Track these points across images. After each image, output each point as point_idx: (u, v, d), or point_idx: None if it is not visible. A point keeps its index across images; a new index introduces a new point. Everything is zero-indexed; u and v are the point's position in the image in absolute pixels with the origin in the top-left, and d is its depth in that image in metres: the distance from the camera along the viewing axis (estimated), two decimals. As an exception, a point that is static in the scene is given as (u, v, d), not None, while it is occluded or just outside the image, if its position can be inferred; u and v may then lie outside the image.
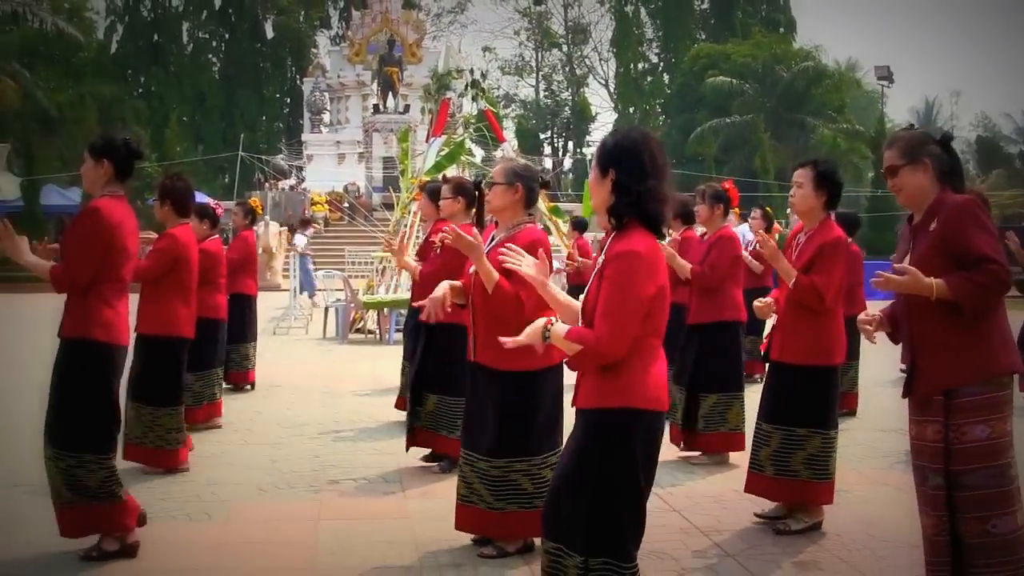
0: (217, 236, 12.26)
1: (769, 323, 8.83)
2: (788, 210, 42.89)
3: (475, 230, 8.32)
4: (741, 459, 8.56)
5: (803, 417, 8.01)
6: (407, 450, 9.94)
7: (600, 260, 5.11)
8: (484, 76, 44.85)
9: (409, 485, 9.41)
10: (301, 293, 26.07)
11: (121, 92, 69.22)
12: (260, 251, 37.17)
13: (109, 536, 7.20)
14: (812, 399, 8.03)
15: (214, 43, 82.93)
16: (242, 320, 14.10)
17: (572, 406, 5.23)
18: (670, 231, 12.21)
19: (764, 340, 8.73)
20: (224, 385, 13.50)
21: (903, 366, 6.01)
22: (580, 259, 15.44)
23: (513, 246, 5.55)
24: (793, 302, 7.98)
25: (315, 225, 37.93)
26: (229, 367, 14.14)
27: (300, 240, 31.04)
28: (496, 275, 6.91)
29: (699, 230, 11.27)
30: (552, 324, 5.05)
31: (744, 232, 25.15)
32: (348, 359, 18.88)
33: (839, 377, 8.32)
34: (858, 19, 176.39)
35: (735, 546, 7.64)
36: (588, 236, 18.94)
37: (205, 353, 11.70)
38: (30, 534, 7.63)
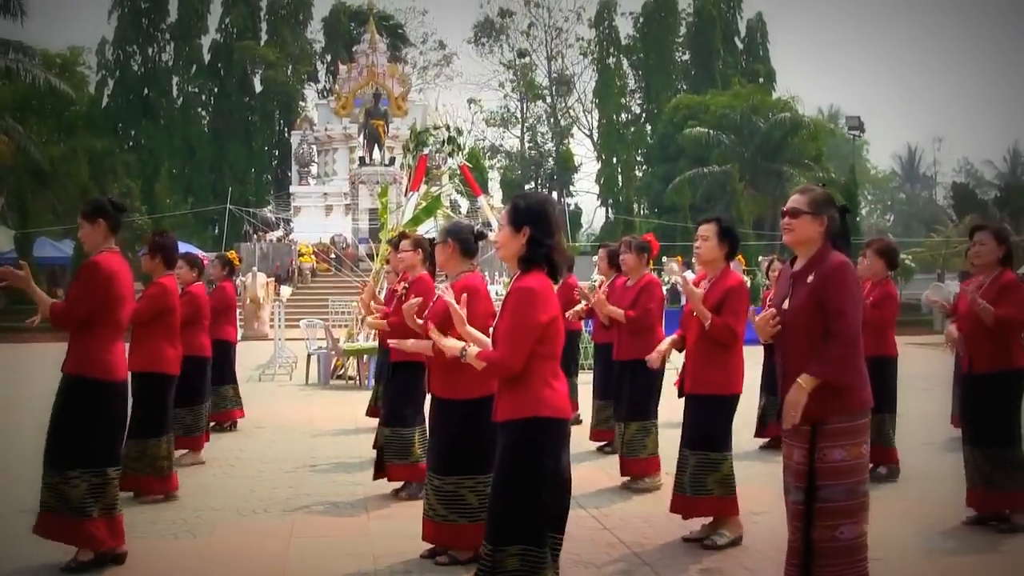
0: (201, 283, 13.38)
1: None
2: (760, 257, 44.02)
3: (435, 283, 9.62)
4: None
5: (715, 442, 9.10)
6: (374, 479, 11.08)
7: (504, 297, 6.29)
8: (460, 132, 45.84)
9: (373, 508, 10.51)
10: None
11: (112, 145, 70.23)
12: (248, 301, 38.26)
13: (84, 549, 8.26)
14: (721, 425, 9.15)
15: (203, 97, 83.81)
16: (223, 364, 15.25)
17: (492, 421, 6.31)
18: (600, 277, 13.32)
19: (677, 378, 9.71)
20: (210, 424, 14.81)
21: None
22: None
23: (450, 291, 6.76)
24: (707, 341, 9.09)
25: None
26: (214, 407, 15.32)
27: (285, 291, 31.93)
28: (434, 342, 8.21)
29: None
30: (467, 348, 6.25)
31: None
32: (328, 402, 19.88)
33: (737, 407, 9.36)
34: (840, 66, 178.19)
35: (653, 557, 8.68)
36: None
37: (195, 389, 12.90)
38: (32, 552, 8.59)
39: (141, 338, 10.73)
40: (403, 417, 10.61)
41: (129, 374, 8.83)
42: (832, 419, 6.43)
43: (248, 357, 26.47)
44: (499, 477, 6.17)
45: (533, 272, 6.22)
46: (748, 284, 23.65)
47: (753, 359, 9.89)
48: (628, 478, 11.55)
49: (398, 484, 11.04)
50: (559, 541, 6.25)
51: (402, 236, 11.04)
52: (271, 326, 33.54)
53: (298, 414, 18.03)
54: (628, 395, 11.46)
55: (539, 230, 6.21)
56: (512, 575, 6.03)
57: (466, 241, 8.55)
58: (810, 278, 6.54)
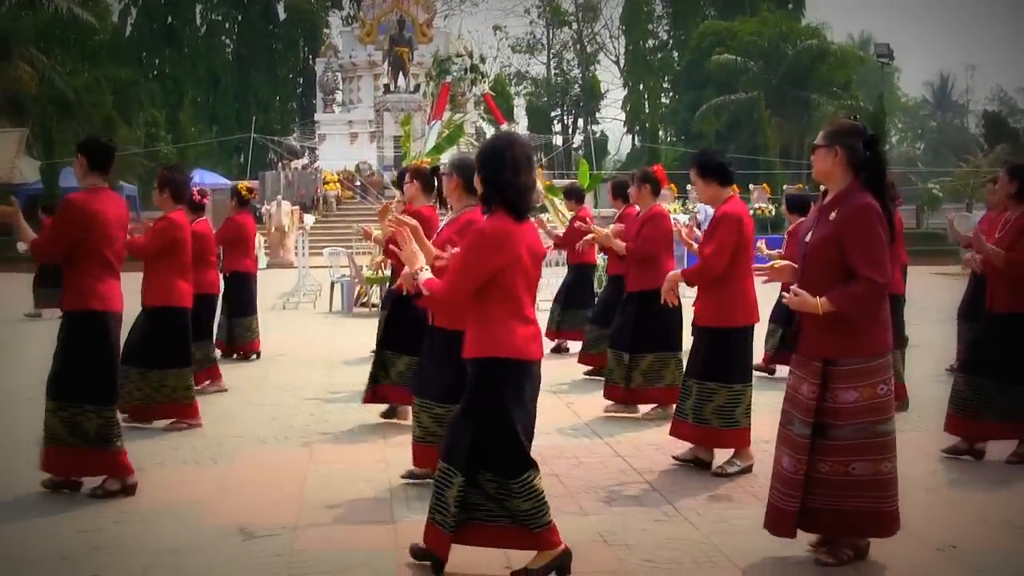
0: (206, 219, 13.49)
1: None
2: (784, 186, 43.96)
3: (439, 210, 9.69)
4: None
5: (711, 373, 9.22)
6: (363, 403, 11.29)
7: None
8: (483, 60, 45.83)
9: (391, 435, 10.67)
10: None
11: (136, 75, 70.31)
12: (272, 229, 38.41)
13: (112, 478, 8.47)
14: (718, 357, 9.21)
15: (227, 25, 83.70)
16: (243, 296, 15.51)
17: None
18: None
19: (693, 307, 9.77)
20: (233, 356, 15.58)
21: None
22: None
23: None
24: None
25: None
26: (235, 339, 15.54)
27: (309, 219, 32.04)
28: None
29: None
30: (423, 269, 6.50)
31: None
32: (351, 331, 20.00)
33: (745, 339, 9.34)
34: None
35: (663, 483, 8.84)
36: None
37: (204, 324, 12.95)
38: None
39: (151, 273, 10.82)
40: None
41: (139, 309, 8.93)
42: (844, 360, 6.57)
43: (274, 285, 26.64)
44: (464, 410, 6.44)
45: (496, 213, 6.37)
46: (772, 212, 23.56)
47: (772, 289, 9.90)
48: (651, 407, 11.67)
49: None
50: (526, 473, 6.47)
51: (406, 170, 11.16)
52: (296, 254, 33.68)
53: (320, 342, 18.20)
54: (638, 326, 11.46)
55: (490, 171, 6.41)
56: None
57: (470, 179, 8.56)
58: (833, 215, 6.60)
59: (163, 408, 10.93)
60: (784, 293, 6.83)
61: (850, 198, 6.55)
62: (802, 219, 13.63)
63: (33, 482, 8.64)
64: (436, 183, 9.88)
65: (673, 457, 9.46)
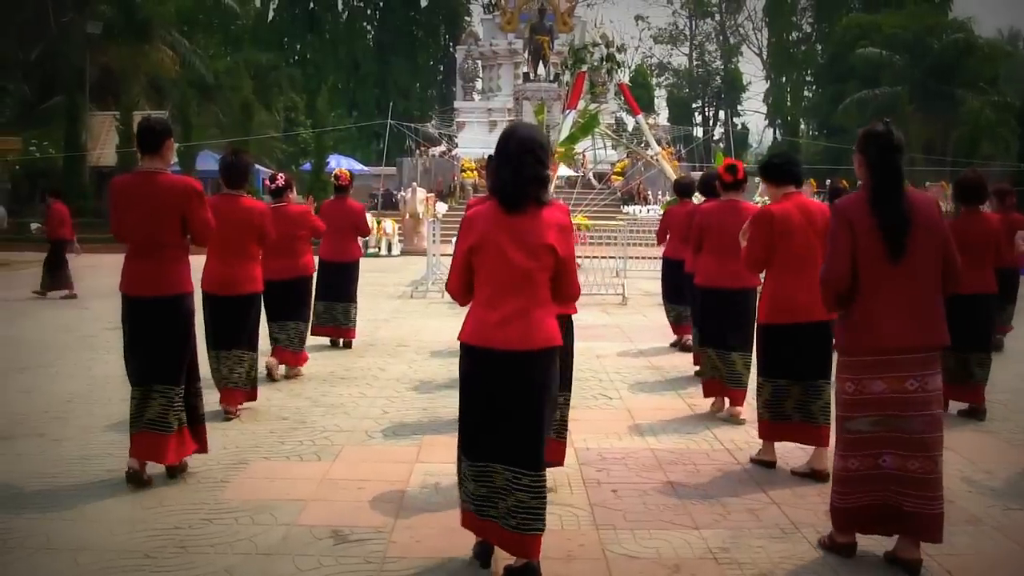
0: (281, 203, 13.33)
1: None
2: (927, 183, 42.96)
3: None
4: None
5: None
6: None
7: None
8: (621, 49, 45.20)
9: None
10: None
11: (277, 60, 71.12)
12: (407, 216, 38.40)
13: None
14: (759, 353, 9.32)
15: (369, 11, 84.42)
16: (321, 281, 15.46)
17: None
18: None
19: None
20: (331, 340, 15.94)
21: None
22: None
23: None
24: None
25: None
26: (332, 323, 15.71)
27: (441, 207, 31.95)
28: None
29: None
30: None
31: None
32: (476, 322, 19.71)
33: (765, 336, 9.19)
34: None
35: (782, 496, 8.35)
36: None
37: (281, 307, 13.07)
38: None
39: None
40: None
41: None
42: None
43: (405, 272, 26.46)
44: None
45: (490, 200, 6.40)
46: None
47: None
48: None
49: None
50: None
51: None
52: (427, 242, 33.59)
53: (444, 333, 17.88)
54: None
55: (493, 159, 6.44)
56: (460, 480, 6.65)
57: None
58: None
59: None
60: None
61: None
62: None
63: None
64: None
65: (791, 471, 9.05)
